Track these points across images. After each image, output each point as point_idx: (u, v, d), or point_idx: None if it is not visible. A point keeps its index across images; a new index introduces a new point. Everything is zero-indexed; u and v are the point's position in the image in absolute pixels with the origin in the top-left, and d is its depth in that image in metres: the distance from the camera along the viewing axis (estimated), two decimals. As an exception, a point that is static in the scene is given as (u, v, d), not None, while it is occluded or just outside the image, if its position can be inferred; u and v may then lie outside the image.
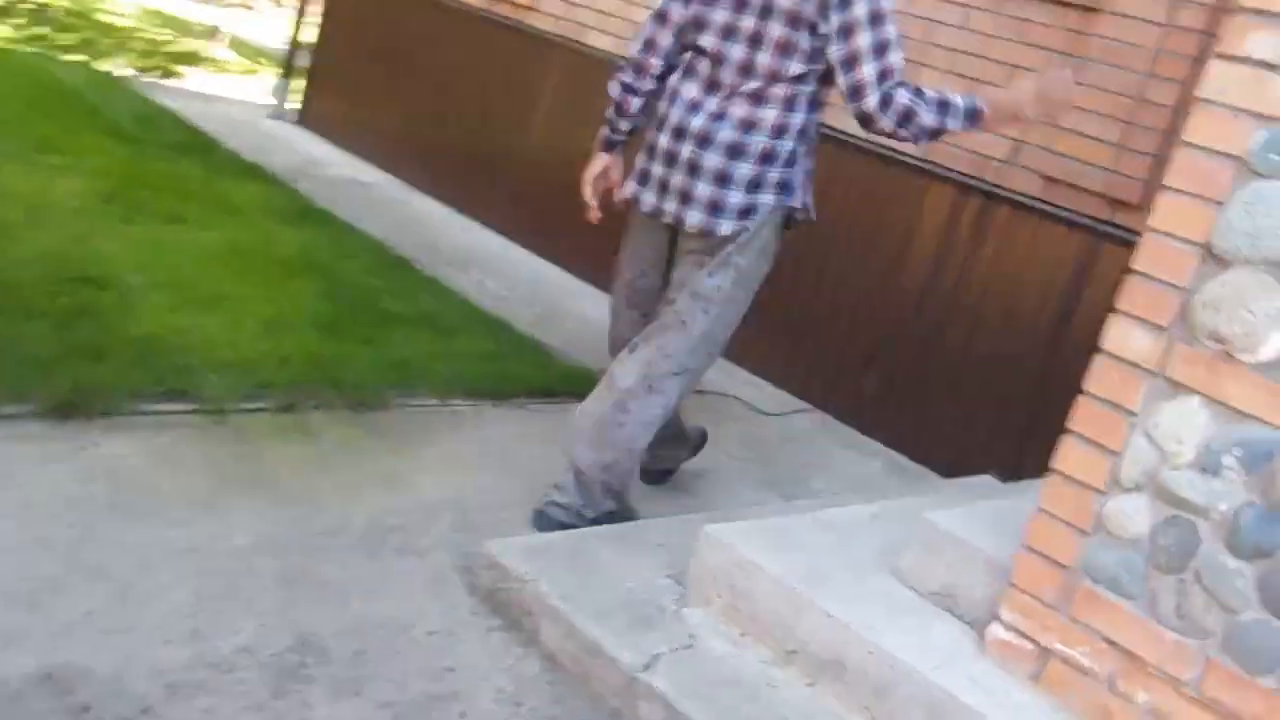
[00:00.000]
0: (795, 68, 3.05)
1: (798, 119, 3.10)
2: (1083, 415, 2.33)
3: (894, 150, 4.52)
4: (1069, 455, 2.35)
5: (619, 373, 3.25)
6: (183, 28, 13.10)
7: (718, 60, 3.12)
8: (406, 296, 4.94)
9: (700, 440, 3.85)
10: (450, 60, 7.11)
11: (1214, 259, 2.15)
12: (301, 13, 8.93)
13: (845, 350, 4.87)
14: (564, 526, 3.19)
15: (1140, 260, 2.26)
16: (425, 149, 7.26)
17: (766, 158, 3.09)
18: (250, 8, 16.16)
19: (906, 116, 2.96)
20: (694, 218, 3.12)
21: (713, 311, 3.18)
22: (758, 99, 3.08)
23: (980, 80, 4.33)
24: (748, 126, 3.07)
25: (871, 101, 2.96)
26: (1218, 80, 2.18)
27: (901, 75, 2.97)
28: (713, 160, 3.08)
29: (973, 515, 2.76)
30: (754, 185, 3.09)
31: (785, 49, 3.04)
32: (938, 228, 4.56)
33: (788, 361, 5.01)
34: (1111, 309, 2.29)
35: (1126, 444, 2.25)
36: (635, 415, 3.21)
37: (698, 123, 3.10)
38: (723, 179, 3.08)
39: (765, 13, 3.05)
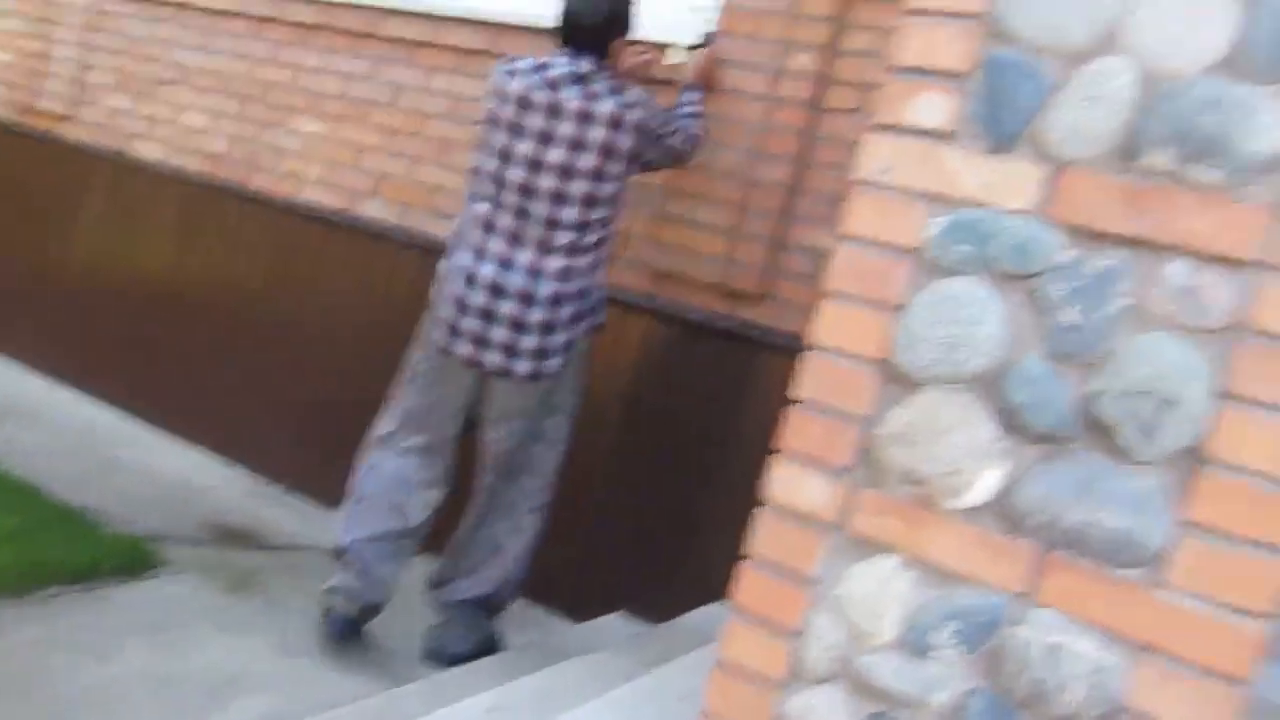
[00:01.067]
0: (601, 212, 3.01)
1: (606, 249, 3.10)
2: (749, 587, 1.67)
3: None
4: (735, 640, 1.68)
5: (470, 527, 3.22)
6: None
7: (522, 214, 2.99)
8: (-87, 466, 3.76)
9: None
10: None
11: (897, 379, 1.58)
12: None
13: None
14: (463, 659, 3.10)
15: (804, 385, 1.66)
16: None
17: (583, 294, 3.05)
18: None
19: (697, 140, 3.31)
20: (522, 367, 3.00)
21: (558, 448, 3.19)
22: (572, 250, 2.99)
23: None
24: (565, 275, 2.99)
25: (687, 155, 3.29)
26: (878, 157, 1.62)
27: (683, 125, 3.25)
28: (538, 315, 2.97)
29: (617, 708, 2.07)
30: (575, 319, 3.04)
31: (590, 202, 2.98)
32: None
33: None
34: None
35: (808, 622, 1.62)
36: (510, 553, 3.21)
37: (516, 281, 2.97)
38: (548, 328, 2.99)
39: (566, 174, 2.96)
